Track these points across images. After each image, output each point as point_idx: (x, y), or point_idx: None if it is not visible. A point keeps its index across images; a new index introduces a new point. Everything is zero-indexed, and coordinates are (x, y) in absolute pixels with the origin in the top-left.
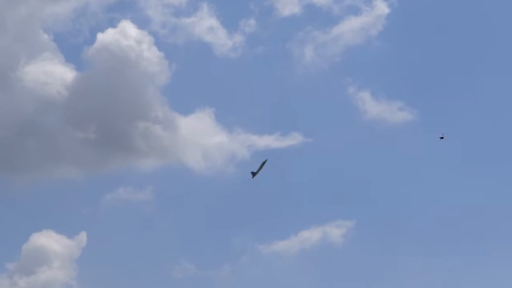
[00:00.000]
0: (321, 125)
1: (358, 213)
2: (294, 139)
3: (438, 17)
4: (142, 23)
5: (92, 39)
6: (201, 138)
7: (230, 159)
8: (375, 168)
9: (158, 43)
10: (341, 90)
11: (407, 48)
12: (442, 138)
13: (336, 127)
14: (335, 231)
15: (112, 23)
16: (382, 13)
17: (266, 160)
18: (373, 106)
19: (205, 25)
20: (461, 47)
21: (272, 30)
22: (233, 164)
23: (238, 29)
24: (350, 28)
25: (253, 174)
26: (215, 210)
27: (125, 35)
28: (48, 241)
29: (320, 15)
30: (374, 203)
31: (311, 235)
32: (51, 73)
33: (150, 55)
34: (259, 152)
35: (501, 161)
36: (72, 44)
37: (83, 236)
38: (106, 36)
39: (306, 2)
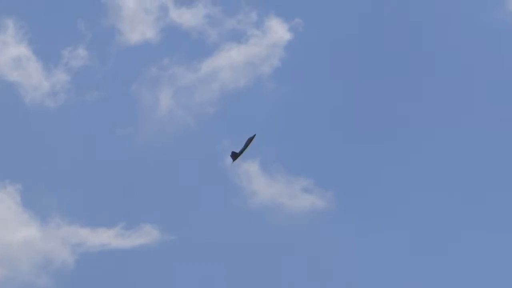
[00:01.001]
0: (186, 213)
1: None
2: (147, 236)
3: (364, 47)
4: None
5: None
6: None
7: (44, 265)
8: (269, 278)
9: None
10: (215, 158)
11: (316, 94)
12: None
13: (209, 218)
14: None
15: None
16: (279, 40)
17: (254, 135)
18: (264, 185)
19: (10, 54)
20: (395, 95)
21: (112, 65)
22: (48, 273)
23: (60, 63)
24: (230, 62)
25: (235, 156)
26: None
27: None
28: None
29: (186, 43)
30: None
31: None
32: None
33: None
34: (91, 255)
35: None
36: None
37: None
38: None
39: (166, 23)
